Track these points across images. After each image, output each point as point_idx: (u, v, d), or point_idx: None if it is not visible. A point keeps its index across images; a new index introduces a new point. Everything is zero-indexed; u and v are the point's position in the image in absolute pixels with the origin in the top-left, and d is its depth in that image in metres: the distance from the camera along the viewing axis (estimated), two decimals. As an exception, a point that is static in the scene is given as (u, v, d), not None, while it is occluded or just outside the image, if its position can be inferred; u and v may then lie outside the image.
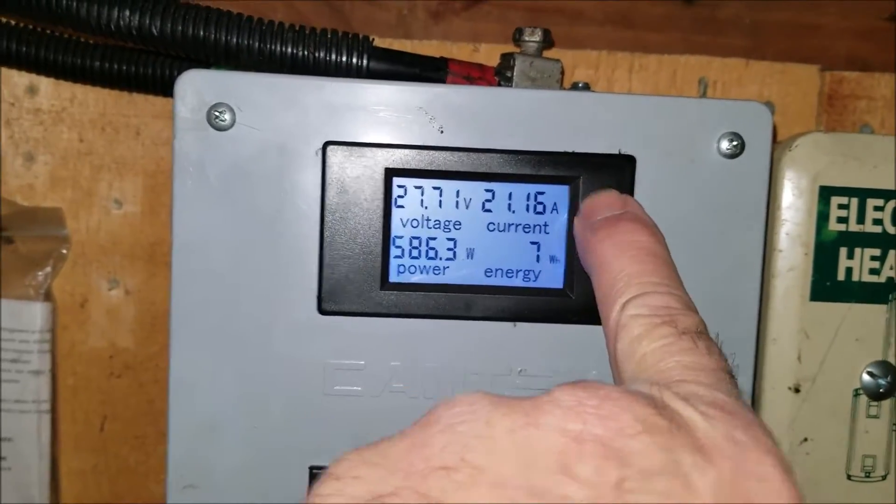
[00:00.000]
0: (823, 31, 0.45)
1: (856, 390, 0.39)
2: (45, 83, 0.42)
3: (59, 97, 0.43)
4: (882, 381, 0.39)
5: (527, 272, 0.33)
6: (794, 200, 0.38)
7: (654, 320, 0.23)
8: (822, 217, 0.38)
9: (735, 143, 0.33)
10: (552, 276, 0.33)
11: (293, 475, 0.33)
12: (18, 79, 0.42)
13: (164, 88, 0.39)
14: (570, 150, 0.33)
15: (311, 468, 0.33)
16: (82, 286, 0.43)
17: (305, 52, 0.35)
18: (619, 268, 0.26)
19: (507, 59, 0.37)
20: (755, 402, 0.39)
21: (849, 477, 0.39)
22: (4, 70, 0.42)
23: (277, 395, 0.33)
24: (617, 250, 0.26)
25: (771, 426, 0.37)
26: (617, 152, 0.33)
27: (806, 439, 0.39)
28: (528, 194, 0.33)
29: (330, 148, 0.32)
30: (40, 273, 0.42)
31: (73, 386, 0.44)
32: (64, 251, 0.42)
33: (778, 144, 0.38)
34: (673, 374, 0.21)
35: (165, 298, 0.43)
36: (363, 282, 0.32)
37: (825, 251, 0.39)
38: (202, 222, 0.32)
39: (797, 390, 0.39)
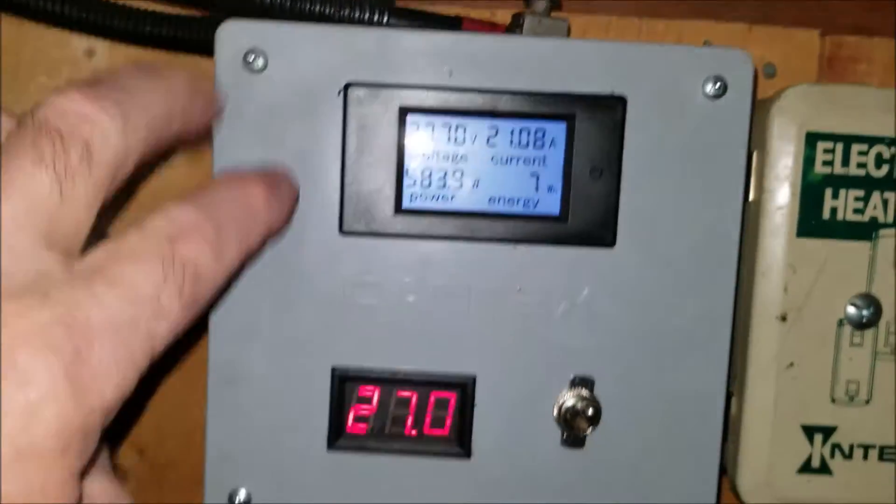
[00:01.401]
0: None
1: (840, 320, 0.42)
2: (101, 46, 0.47)
3: (115, 59, 0.48)
4: (865, 312, 0.42)
5: (526, 200, 0.37)
6: (782, 146, 0.41)
7: (163, 226, 0.24)
8: (809, 161, 0.41)
9: (718, 85, 0.37)
10: (549, 204, 0.37)
11: (317, 375, 0.38)
12: (78, 42, 0.47)
13: (209, 51, 0.44)
14: (567, 91, 0.37)
15: (333, 368, 0.38)
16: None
17: (331, 10, 0.39)
18: (211, 186, 0.27)
19: (517, 17, 0.41)
20: (744, 331, 0.42)
21: (833, 400, 0.42)
22: (65, 33, 0.47)
23: (305, 306, 0.38)
24: (228, 181, 0.28)
25: (760, 353, 0.41)
26: (610, 93, 0.37)
27: (792, 364, 0.42)
28: (529, 130, 0.37)
29: (351, 88, 0.36)
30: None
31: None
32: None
33: (770, 97, 0.41)
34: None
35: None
36: (379, 207, 0.37)
37: (811, 192, 0.42)
38: (239, 158, 0.37)
39: (784, 319, 0.42)
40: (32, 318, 0.20)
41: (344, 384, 0.38)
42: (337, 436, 0.38)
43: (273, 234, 0.30)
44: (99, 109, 0.22)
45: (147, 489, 0.50)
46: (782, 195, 0.42)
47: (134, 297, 0.22)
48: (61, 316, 0.20)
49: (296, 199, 0.33)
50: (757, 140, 0.41)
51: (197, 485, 0.50)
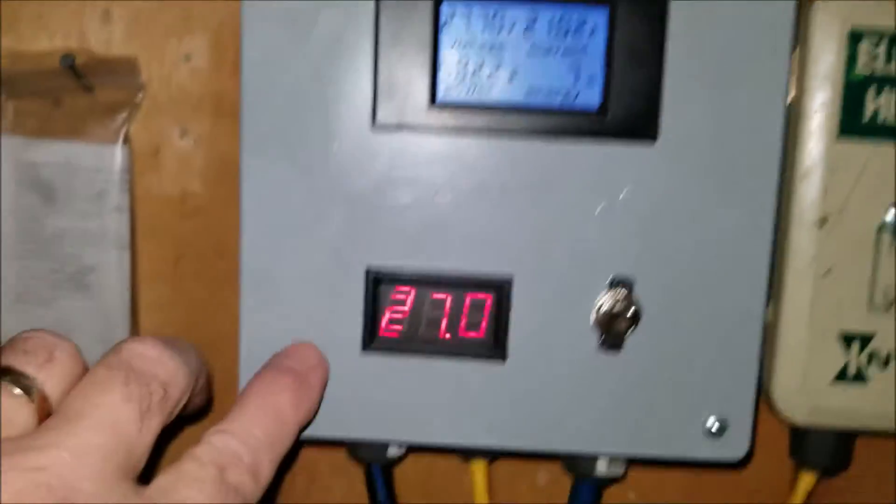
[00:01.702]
0: None
1: (879, 225, 0.41)
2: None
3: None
4: (906, 217, 0.41)
5: (565, 92, 0.36)
6: (824, 42, 0.40)
7: (214, 456, 0.28)
8: (851, 59, 0.40)
9: (765, -28, 0.35)
10: (589, 97, 0.36)
11: (351, 276, 0.37)
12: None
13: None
14: (609, -23, 0.35)
15: (367, 270, 0.37)
16: (155, 135, 0.47)
17: None
18: (245, 403, 0.32)
19: None
20: (781, 236, 0.41)
21: (870, 307, 0.42)
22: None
23: (337, 204, 0.36)
24: (259, 392, 0.32)
25: (797, 259, 0.40)
26: (654, -20, 0.35)
27: (829, 270, 0.41)
28: (569, 18, 0.35)
29: (384, -26, 0.35)
30: (118, 118, 0.46)
31: (149, 226, 0.48)
32: (139, 98, 0.46)
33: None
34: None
35: (231, 148, 0.47)
36: (413, 101, 0.35)
37: (853, 92, 0.40)
38: (268, 44, 0.35)
39: (822, 224, 0.41)
40: None
41: (378, 286, 0.37)
42: (371, 338, 0.37)
43: (304, 428, 0.34)
44: (170, 356, 0.28)
45: (172, 399, 0.50)
46: (823, 95, 0.40)
47: None
48: None
49: (325, 381, 0.37)
50: (799, 36, 0.40)
51: (226, 392, 0.49)
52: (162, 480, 0.26)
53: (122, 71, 0.46)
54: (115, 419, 0.25)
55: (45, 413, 0.27)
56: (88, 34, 0.46)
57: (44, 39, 0.46)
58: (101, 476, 0.24)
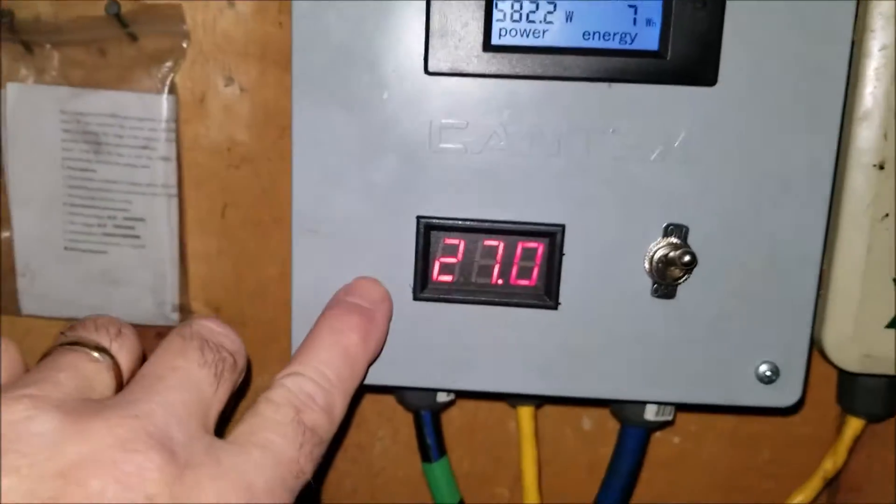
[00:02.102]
0: None
1: (940, 169, 0.40)
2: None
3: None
4: (967, 160, 0.40)
5: (623, 34, 0.35)
6: (889, -21, 0.38)
7: (289, 398, 0.29)
8: (916, -3, 0.38)
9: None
10: (648, 39, 0.35)
11: (402, 223, 0.37)
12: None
13: None
14: (668, -88, 0.34)
15: (418, 217, 0.37)
16: (201, 83, 0.47)
17: None
18: (315, 344, 0.32)
19: None
20: (838, 179, 0.40)
21: (928, 253, 0.41)
22: None
23: (389, 150, 0.36)
24: (328, 331, 0.33)
25: (854, 203, 0.39)
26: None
27: (887, 215, 0.40)
28: (626, -42, 0.34)
29: (437, -88, 0.34)
30: (164, 67, 0.45)
31: (196, 176, 0.48)
32: (184, 46, 0.45)
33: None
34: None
35: (276, 96, 0.47)
36: (467, 44, 0.35)
37: (917, 31, 0.39)
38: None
39: (881, 167, 0.40)
40: (216, 487, 0.25)
41: (429, 233, 0.37)
42: (423, 286, 0.37)
43: (371, 364, 0.35)
44: (233, 331, 0.31)
45: (224, 346, 0.51)
46: (886, 35, 0.39)
47: (281, 460, 0.27)
48: (235, 483, 0.25)
49: (390, 316, 0.37)
50: (862, -26, 0.38)
51: (272, 342, 0.50)
52: (242, 427, 0.28)
53: (167, 18, 0.45)
54: (193, 380, 0.27)
55: (119, 381, 0.28)
56: (130, -20, 0.46)
57: (87, -13, 0.46)
58: (188, 428, 0.26)
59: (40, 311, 0.49)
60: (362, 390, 0.33)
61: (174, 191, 0.47)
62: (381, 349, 0.36)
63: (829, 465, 0.48)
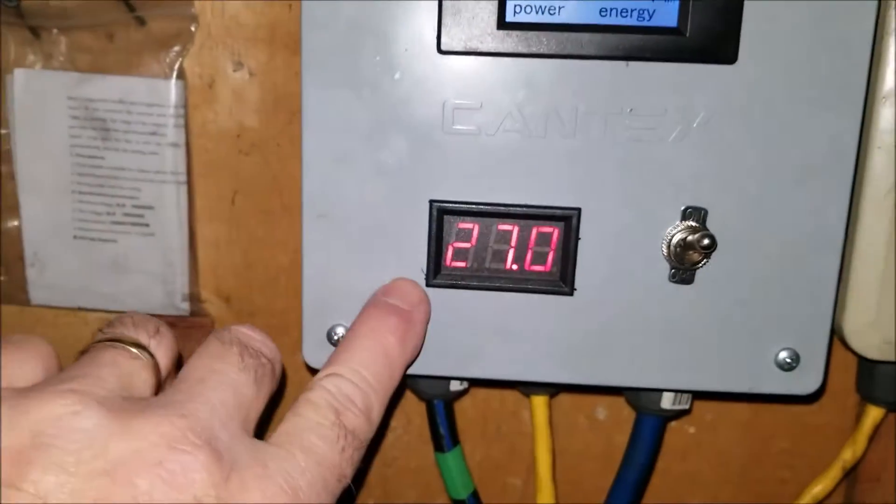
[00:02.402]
0: None
1: (964, 152, 0.39)
2: None
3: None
4: None
5: (641, 11, 0.34)
6: (912, -43, 0.38)
7: (330, 401, 0.29)
8: (943, -28, 0.37)
9: None
10: (666, 14, 0.34)
11: (415, 207, 0.36)
12: None
13: None
14: None
15: (431, 201, 0.36)
16: (209, 67, 0.46)
17: None
18: (354, 345, 0.32)
19: None
20: (860, 163, 0.39)
21: (953, 238, 0.40)
22: None
23: (401, 132, 0.35)
24: (367, 333, 0.33)
25: (876, 186, 0.38)
26: None
27: (910, 198, 0.39)
28: (644, -68, 0.33)
29: None
30: (172, 51, 0.45)
31: (205, 162, 0.47)
32: (192, 29, 0.45)
33: None
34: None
35: (286, 80, 0.46)
36: (481, 22, 0.34)
37: (941, 9, 0.38)
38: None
39: (905, 149, 0.39)
40: (263, 489, 0.25)
41: (443, 217, 0.36)
42: (436, 271, 0.37)
43: (410, 364, 0.35)
44: (270, 339, 0.30)
45: (234, 334, 0.50)
46: (909, 13, 0.38)
47: (323, 463, 0.27)
48: (281, 485, 0.25)
49: (428, 317, 0.37)
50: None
51: (283, 331, 0.49)
52: (283, 427, 0.28)
53: (175, 2, 0.45)
54: (234, 383, 0.27)
55: (158, 380, 0.28)
56: (138, -35, 0.45)
57: (94, -29, 0.45)
58: (231, 429, 0.26)
59: (49, 300, 0.48)
60: (397, 390, 0.33)
61: (183, 178, 0.46)
62: (419, 351, 0.35)
63: (849, 455, 0.47)
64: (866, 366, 0.45)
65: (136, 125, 0.46)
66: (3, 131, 0.46)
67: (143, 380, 0.27)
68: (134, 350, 0.27)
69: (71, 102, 0.45)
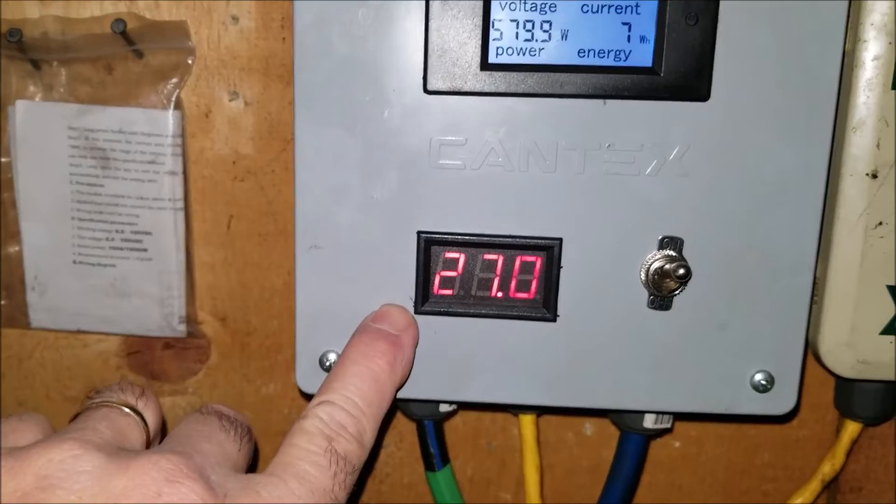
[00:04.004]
0: None
1: (933, 179, 0.40)
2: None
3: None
4: (960, 169, 0.40)
5: (618, 52, 0.35)
6: (880, -7, 0.39)
7: (322, 428, 0.30)
8: (908, 8, 0.39)
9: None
10: (642, 55, 0.35)
11: (404, 238, 0.38)
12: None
13: None
14: (661, -68, 0.34)
15: (419, 232, 0.37)
16: (206, 97, 0.48)
17: None
18: (345, 372, 0.33)
19: None
20: (832, 188, 0.41)
21: (923, 260, 0.41)
22: None
23: (389, 167, 0.37)
24: (357, 359, 0.34)
25: (848, 211, 0.40)
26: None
27: (881, 223, 0.41)
28: (620, -23, 0.35)
29: (433, -64, 0.34)
30: (170, 83, 0.46)
31: (202, 188, 0.49)
32: (189, 62, 0.46)
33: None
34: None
35: (279, 110, 0.47)
36: (464, 63, 0.36)
37: (909, 42, 0.39)
38: (320, 11, 0.35)
39: (874, 176, 0.40)
40: None
41: (430, 247, 0.38)
42: (424, 299, 0.38)
43: (399, 389, 0.36)
44: (241, 414, 0.32)
45: (230, 356, 0.52)
46: (878, 44, 0.40)
47: (316, 489, 0.28)
48: None
49: (417, 341, 0.38)
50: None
51: (277, 351, 0.51)
52: (277, 458, 0.29)
53: (173, 35, 0.46)
54: (218, 439, 0.29)
55: (147, 439, 0.30)
56: (136, -2, 0.47)
57: (94, 5, 0.46)
58: (220, 471, 0.28)
59: (50, 323, 0.50)
60: (389, 410, 0.34)
61: (180, 204, 0.48)
62: (409, 374, 0.36)
63: (828, 469, 0.49)
64: (843, 383, 0.47)
65: (135, 154, 0.47)
66: (5, 160, 0.48)
67: (135, 436, 0.29)
68: (125, 409, 0.29)
69: (71, 132, 0.47)
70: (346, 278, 0.38)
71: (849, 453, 0.49)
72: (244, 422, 0.31)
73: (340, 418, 0.31)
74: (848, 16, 0.37)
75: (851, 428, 0.48)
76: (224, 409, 0.31)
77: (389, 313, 0.37)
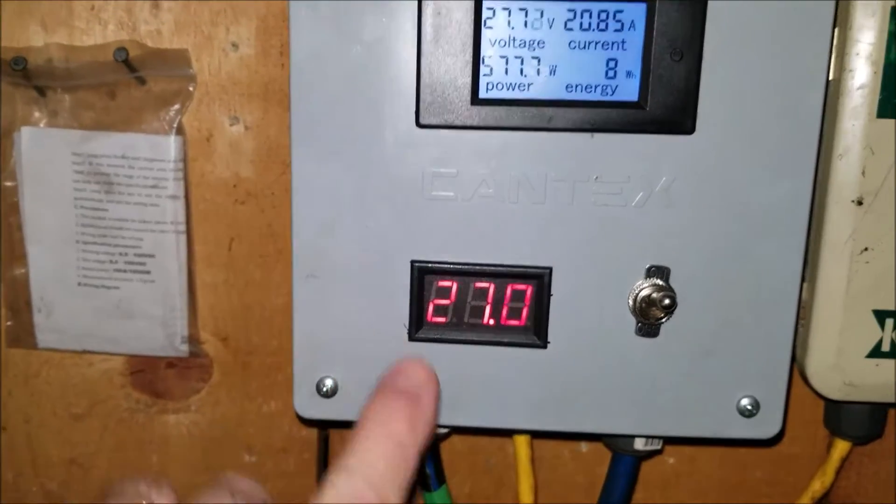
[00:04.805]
0: None
1: (917, 205, 0.41)
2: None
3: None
4: (944, 195, 0.41)
5: (604, 86, 0.36)
6: (865, 20, 0.40)
7: (338, 498, 0.29)
8: (893, 37, 0.40)
9: (805, -40, 0.35)
10: (628, 90, 0.36)
11: (397, 268, 0.39)
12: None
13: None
14: (647, -29, 0.35)
15: (413, 262, 0.38)
16: (207, 122, 0.49)
17: None
18: (362, 436, 0.31)
19: None
20: (819, 215, 0.42)
21: (906, 285, 0.42)
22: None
23: (383, 199, 0.38)
24: (375, 423, 0.31)
25: (834, 238, 0.40)
26: (692, -29, 0.35)
27: (866, 249, 0.42)
28: (608, 12, 0.36)
29: (426, -25, 0.35)
30: (171, 109, 0.47)
31: (203, 211, 0.50)
32: (191, 89, 0.47)
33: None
34: None
35: (279, 133, 0.48)
36: (456, 98, 0.37)
37: (893, 71, 0.40)
38: (315, 46, 0.36)
39: (860, 203, 0.41)
40: None
41: (423, 277, 0.39)
42: (418, 326, 0.39)
43: (424, 448, 0.34)
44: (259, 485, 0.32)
45: (231, 375, 0.53)
46: (863, 74, 0.40)
47: None
48: None
49: (438, 397, 0.35)
50: (839, 15, 0.40)
51: (278, 369, 0.52)
52: None
53: (174, 63, 0.47)
54: None
55: None
56: (139, 25, 0.48)
57: (97, 33, 0.48)
58: None
59: (56, 344, 0.51)
60: None
61: (182, 227, 0.49)
62: (433, 430, 0.36)
63: (818, 486, 0.50)
64: (832, 403, 0.48)
65: (138, 179, 0.48)
66: (10, 184, 0.49)
67: None
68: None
69: (75, 158, 0.48)
70: (342, 306, 0.39)
71: (839, 471, 0.50)
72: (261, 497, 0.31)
73: (360, 488, 0.29)
74: (832, 47, 0.37)
75: (841, 446, 0.49)
76: (236, 478, 0.32)
77: (406, 369, 0.36)
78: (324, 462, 0.53)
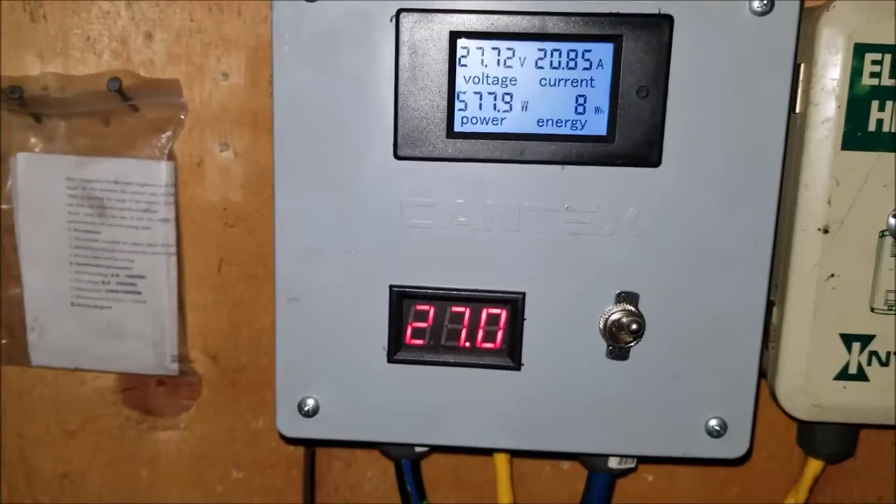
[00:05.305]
0: None
1: (882, 232, 0.43)
2: None
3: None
4: (907, 224, 0.42)
5: (574, 121, 0.38)
6: (830, 57, 0.41)
7: None
8: (856, 72, 0.41)
9: (766, 1, 0.37)
10: (597, 125, 0.38)
11: (377, 292, 0.40)
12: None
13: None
14: (614, 11, 0.37)
15: (391, 286, 0.40)
16: (198, 148, 0.50)
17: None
18: None
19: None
20: (786, 243, 0.43)
21: (872, 310, 0.43)
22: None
23: (363, 227, 0.39)
24: None
25: (802, 264, 0.42)
26: (657, 12, 0.37)
27: (833, 275, 0.43)
28: (577, 52, 0.37)
29: (402, 14, 0.37)
30: (163, 136, 0.49)
31: (194, 233, 0.51)
32: (182, 117, 0.49)
33: (818, 6, 0.41)
34: None
35: (268, 159, 0.50)
36: (432, 131, 0.38)
37: (857, 104, 0.42)
38: (297, 82, 0.38)
39: (826, 231, 0.43)
40: None
41: (401, 301, 0.40)
42: (396, 348, 0.41)
43: None
44: None
45: (221, 392, 0.54)
46: (828, 108, 0.42)
47: None
48: None
49: None
50: (804, 51, 0.41)
51: (266, 387, 0.53)
52: None
53: (166, 92, 0.49)
54: None
55: None
56: (133, 55, 0.49)
57: (92, 63, 0.49)
58: None
59: (49, 362, 0.53)
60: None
61: (173, 249, 0.51)
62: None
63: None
64: (805, 423, 0.49)
65: (130, 203, 0.50)
66: (6, 207, 0.51)
67: None
68: None
69: (69, 183, 0.50)
70: (323, 329, 0.40)
71: (812, 489, 0.51)
72: None
73: None
74: (796, 80, 0.39)
75: (814, 465, 0.50)
76: None
77: None
78: (310, 478, 0.54)
